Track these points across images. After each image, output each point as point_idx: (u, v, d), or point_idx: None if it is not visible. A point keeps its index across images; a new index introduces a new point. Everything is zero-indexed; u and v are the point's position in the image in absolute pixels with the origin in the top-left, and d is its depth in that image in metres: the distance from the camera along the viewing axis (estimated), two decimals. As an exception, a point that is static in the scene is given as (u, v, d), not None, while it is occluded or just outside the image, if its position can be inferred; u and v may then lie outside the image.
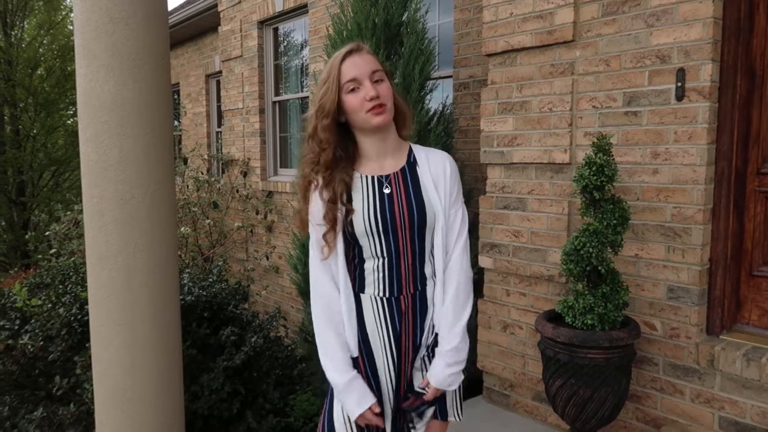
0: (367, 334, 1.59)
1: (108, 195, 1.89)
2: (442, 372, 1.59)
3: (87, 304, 2.63)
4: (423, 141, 3.59)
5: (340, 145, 1.59)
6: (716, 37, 2.45)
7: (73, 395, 2.39)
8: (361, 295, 1.60)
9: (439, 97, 4.46)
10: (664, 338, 2.64)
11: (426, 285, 1.61)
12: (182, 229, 5.54)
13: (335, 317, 1.58)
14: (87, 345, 2.37)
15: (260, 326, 2.86)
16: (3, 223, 10.23)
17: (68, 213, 6.98)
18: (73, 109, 10.78)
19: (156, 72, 2.03)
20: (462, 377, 1.64)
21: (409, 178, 1.60)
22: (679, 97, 2.54)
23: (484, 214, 3.36)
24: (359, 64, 1.53)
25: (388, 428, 1.63)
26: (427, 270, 1.61)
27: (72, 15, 9.64)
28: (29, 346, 2.41)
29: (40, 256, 6.23)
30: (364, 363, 1.60)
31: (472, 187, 4.04)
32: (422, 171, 1.62)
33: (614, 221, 2.44)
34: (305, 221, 1.61)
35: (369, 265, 1.59)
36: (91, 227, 1.94)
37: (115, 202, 1.89)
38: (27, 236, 8.89)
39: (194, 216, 6.25)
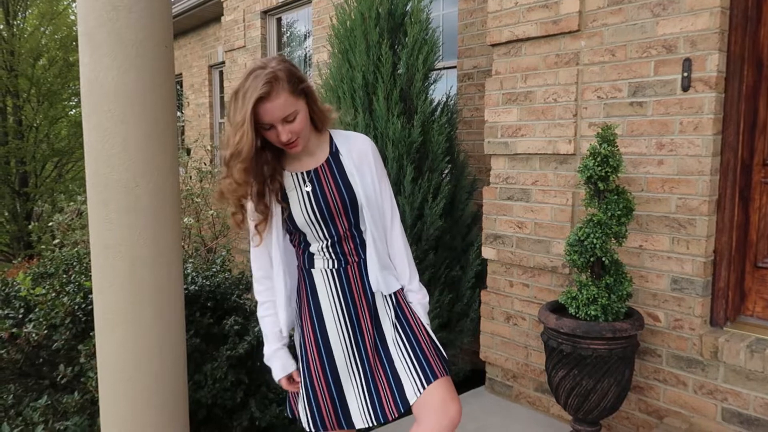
0: (319, 305, 1.75)
1: (112, 183, 1.89)
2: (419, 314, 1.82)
3: (91, 293, 2.64)
4: (426, 132, 3.58)
5: (268, 149, 1.66)
6: (723, 27, 2.43)
7: (77, 384, 2.40)
8: (312, 270, 1.76)
9: (443, 88, 4.44)
10: (668, 329, 2.64)
11: (366, 250, 1.76)
12: (185, 219, 5.54)
13: (268, 301, 1.78)
14: (91, 334, 2.38)
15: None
16: (6, 214, 10.24)
17: (71, 204, 6.98)
18: (76, 99, 10.76)
19: (159, 60, 2.02)
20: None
21: (335, 168, 1.74)
22: (685, 87, 2.52)
23: (487, 205, 3.35)
24: (269, 111, 1.55)
25: (351, 394, 1.74)
26: (366, 237, 1.77)
27: (74, 5, 9.60)
28: (33, 335, 2.41)
29: (43, 247, 6.24)
30: (314, 331, 1.74)
31: (475, 179, 4.03)
32: (345, 159, 1.75)
33: (618, 212, 2.43)
34: (239, 222, 1.71)
35: (314, 247, 1.75)
36: (95, 216, 1.93)
37: (119, 190, 1.88)
38: (30, 227, 8.90)
39: (197, 207, 6.24)
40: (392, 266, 1.83)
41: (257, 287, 1.81)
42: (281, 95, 1.56)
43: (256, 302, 1.87)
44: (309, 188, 1.71)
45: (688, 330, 2.57)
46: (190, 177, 6.74)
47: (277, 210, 1.71)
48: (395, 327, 1.78)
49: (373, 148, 1.80)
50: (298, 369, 1.79)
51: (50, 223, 7.14)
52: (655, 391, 2.71)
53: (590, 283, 2.53)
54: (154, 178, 1.92)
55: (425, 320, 1.83)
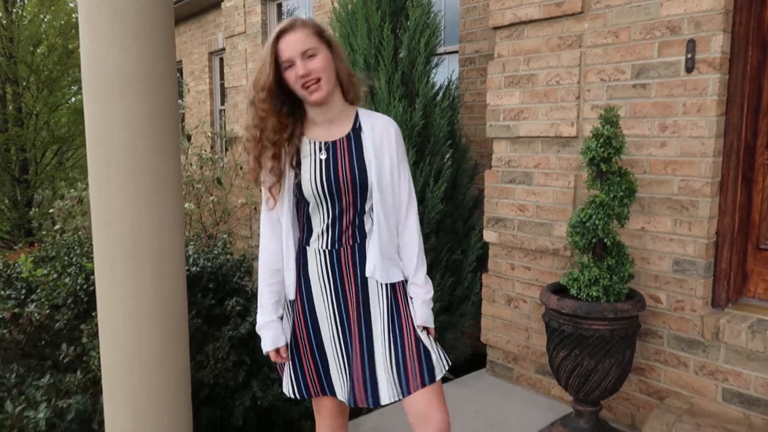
0: (309, 283, 1.75)
1: (113, 162, 1.89)
2: (419, 310, 1.77)
3: (93, 274, 2.64)
4: (428, 116, 3.57)
5: (290, 111, 1.71)
6: (728, 8, 2.42)
7: (79, 363, 2.41)
8: (307, 248, 1.76)
9: (445, 73, 4.42)
10: (669, 311, 2.64)
11: (366, 238, 1.75)
12: (186, 205, 5.54)
13: (271, 268, 1.76)
14: (93, 314, 2.38)
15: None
16: (6, 201, 10.24)
17: (72, 191, 6.98)
18: (76, 87, 10.72)
19: (160, 40, 2.01)
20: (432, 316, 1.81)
21: (353, 144, 1.72)
22: (689, 68, 2.51)
23: (489, 189, 3.35)
24: (290, 44, 1.62)
25: (339, 371, 1.76)
26: (367, 226, 1.75)
27: (73, -9, 9.54)
28: (35, 314, 2.42)
29: (44, 233, 6.24)
30: (303, 308, 1.76)
31: (477, 163, 4.02)
32: (366, 137, 1.73)
33: (621, 193, 2.43)
34: (255, 178, 1.75)
35: (315, 221, 1.74)
36: (96, 195, 1.93)
37: (121, 169, 1.88)
38: (31, 212, 8.90)
39: (198, 193, 6.24)
40: (397, 257, 1.78)
41: (264, 253, 1.79)
42: (302, 30, 1.63)
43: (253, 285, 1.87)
44: (324, 156, 1.69)
45: (689, 311, 2.57)
46: (191, 164, 6.73)
47: (290, 175, 1.71)
48: (385, 322, 1.74)
49: (397, 131, 1.77)
50: (287, 344, 1.79)
51: (51, 210, 7.14)
52: (655, 372, 2.72)
53: (592, 264, 2.53)
54: (155, 157, 1.92)
55: (424, 317, 1.77)
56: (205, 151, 6.89)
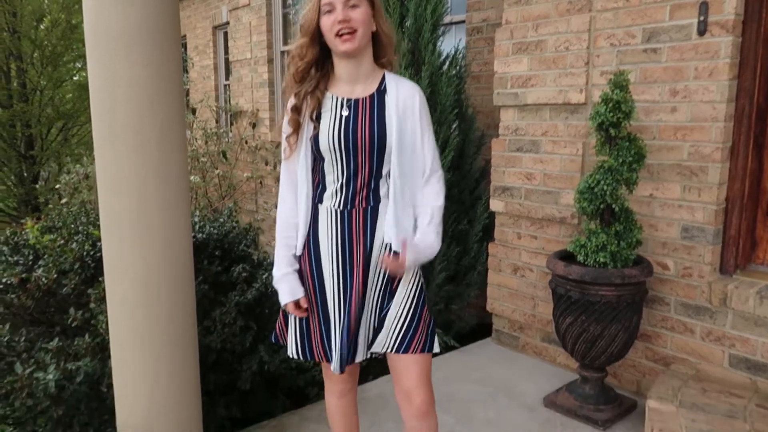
0: (318, 242, 1.74)
1: (118, 123, 1.87)
2: (412, 248, 1.67)
3: (99, 241, 2.64)
4: (435, 84, 3.53)
5: (319, 63, 1.71)
6: (742, -33, 2.36)
7: (87, 328, 2.42)
8: (319, 205, 1.74)
9: (452, 42, 4.36)
10: (677, 278, 2.63)
11: (379, 203, 1.72)
12: (192, 178, 5.54)
13: (286, 221, 1.78)
14: (100, 279, 2.38)
15: (271, 265, 2.87)
16: (13, 178, 10.27)
17: (78, 166, 6.99)
18: (80, 63, 10.68)
19: None
20: (417, 266, 1.73)
21: (376, 105, 1.69)
22: (701, 31, 2.46)
23: (496, 158, 3.32)
24: None
25: (336, 334, 1.74)
26: (382, 190, 1.72)
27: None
28: (43, 279, 2.42)
29: (50, 206, 6.26)
30: (311, 266, 1.76)
31: (484, 133, 3.98)
32: (390, 100, 1.70)
33: (630, 158, 2.40)
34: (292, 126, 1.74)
35: (329, 179, 1.72)
36: (102, 156, 1.92)
37: (126, 129, 1.86)
38: (37, 186, 8.93)
39: (203, 167, 6.23)
40: (411, 229, 1.73)
41: (281, 206, 1.79)
42: None
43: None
44: (346, 113, 1.68)
45: (697, 278, 2.56)
46: (196, 139, 6.71)
47: (308, 128, 1.70)
48: (387, 287, 1.74)
49: (421, 97, 1.73)
50: (306, 297, 1.77)
51: (57, 186, 7.15)
52: (662, 339, 2.72)
53: (599, 230, 2.52)
54: (160, 116, 1.90)
55: (408, 257, 1.65)
56: (210, 128, 6.87)
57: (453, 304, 3.72)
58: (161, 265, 2.00)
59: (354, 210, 1.71)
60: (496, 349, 3.45)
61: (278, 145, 6.13)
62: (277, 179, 6.33)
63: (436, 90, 3.53)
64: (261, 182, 6.59)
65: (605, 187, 2.42)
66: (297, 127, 1.71)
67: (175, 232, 2.02)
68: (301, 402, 3.00)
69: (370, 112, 1.68)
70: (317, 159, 1.74)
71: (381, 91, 1.71)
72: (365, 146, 1.67)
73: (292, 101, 1.72)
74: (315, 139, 1.70)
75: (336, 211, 1.72)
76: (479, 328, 3.89)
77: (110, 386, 2.28)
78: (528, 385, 2.98)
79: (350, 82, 1.71)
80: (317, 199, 1.75)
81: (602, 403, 2.64)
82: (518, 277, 3.31)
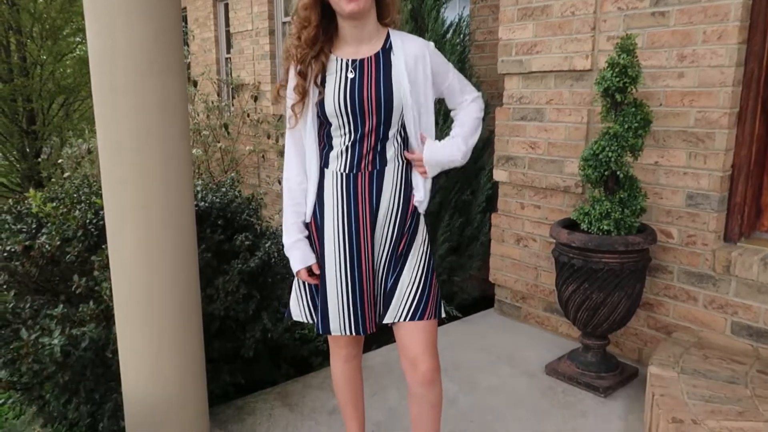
0: (323, 207, 1.73)
1: (118, 84, 1.84)
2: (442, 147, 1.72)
3: (102, 210, 2.64)
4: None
5: (323, 25, 1.67)
6: (754, -73, 2.30)
7: (91, 295, 2.43)
8: (326, 170, 1.73)
9: (456, 10, 4.30)
10: (681, 246, 2.62)
11: (386, 166, 1.70)
12: (194, 151, 5.52)
13: (293, 188, 1.77)
14: (103, 246, 2.39)
15: (274, 234, 2.87)
16: (15, 153, 10.25)
17: (80, 140, 6.97)
18: (80, 37, 10.56)
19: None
20: (436, 173, 1.75)
21: (381, 64, 1.66)
22: (711, -6, 2.41)
23: (500, 127, 3.29)
24: None
25: (336, 309, 1.73)
26: (389, 153, 1.70)
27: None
28: (46, 246, 2.42)
29: (53, 180, 6.26)
30: (317, 230, 1.76)
31: (488, 104, 3.94)
32: (396, 58, 1.66)
33: (635, 124, 2.37)
34: (281, 93, 1.75)
35: (336, 142, 1.70)
36: (102, 119, 1.90)
37: (126, 90, 1.84)
38: (39, 159, 8.92)
39: (205, 140, 6.20)
40: (417, 185, 1.76)
41: (287, 174, 1.78)
42: None
43: (281, 227, 1.85)
44: (352, 76, 1.65)
45: (701, 245, 2.55)
46: (198, 114, 6.67)
47: (313, 93, 1.68)
48: (394, 251, 1.73)
49: (431, 51, 1.70)
50: (318, 264, 1.77)
51: (60, 161, 7.14)
52: (664, 307, 2.72)
53: (603, 198, 2.50)
54: (161, 77, 1.87)
55: (429, 153, 1.70)
56: (212, 102, 6.82)
57: (455, 276, 3.73)
58: (163, 225, 1.99)
59: (360, 174, 1.69)
60: (498, 319, 3.47)
61: (280, 117, 6.09)
62: (280, 153, 6.30)
63: (440, 58, 3.48)
64: (263, 156, 6.56)
65: (610, 154, 2.40)
66: (303, 95, 1.67)
67: (177, 194, 2.00)
68: (305, 371, 3.02)
69: (376, 72, 1.65)
70: (323, 124, 1.72)
71: (386, 50, 1.68)
72: (372, 108, 1.64)
73: (295, 67, 1.69)
74: (321, 104, 1.67)
75: (341, 175, 1.70)
76: (481, 301, 3.90)
77: (115, 352, 2.30)
78: (530, 354, 2.99)
79: (355, 43, 1.68)
80: (323, 163, 1.74)
81: (604, 371, 2.65)
82: (521, 247, 3.31)
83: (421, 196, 1.75)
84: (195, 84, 6.58)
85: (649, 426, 2.16)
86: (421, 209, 1.78)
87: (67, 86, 10.13)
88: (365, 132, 1.67)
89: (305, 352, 3.37)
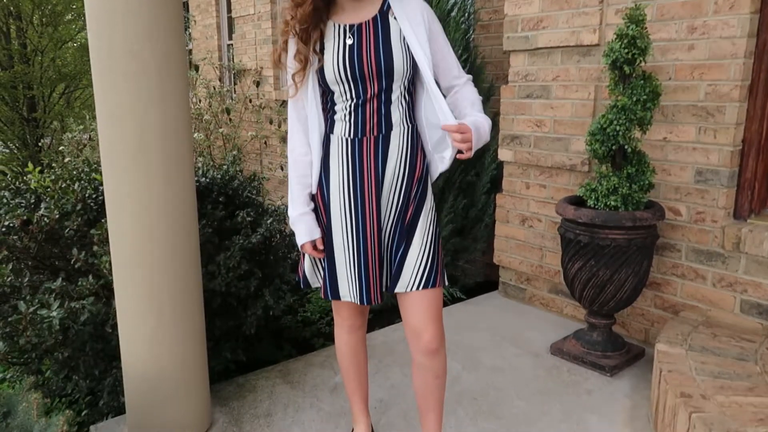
0: (329, 174, 1.72)
1: (117, 48, 1.80)
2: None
3: (101, 185, 2.60)
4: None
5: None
6: None
7: (91, 271, 2.40)
8: (331, 135, 1.71)
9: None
10: (689, 223, 2.57)
11: (392, 131, 1.67)
12: (195, 135, 5.47)
13: (298, 159, 1.75)
14: (103, 220, 2.35)
15: (276, 211, 2.83)
16: (17, 141, 10.21)
17: (81, 126, 6.93)
18: (81, 22, 10.49)
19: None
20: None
21: (380, 27, 1.64)
22: (722, -36, 2.35)
23: (505, 105, 3.25)
24: None
25: (345, 277, 1.72)
26: (394, 117, 1.67)
27: None
28: (45, 219, 2.39)
29: (54, 165, 6.23)
30: (323, 198, 1.74)
31: (492, 85, 3.89)
32: (394, 21, 1.64)
33: (644, 97, 2.33)
34: (281, 60, 1.73)
35: (339, 108, 1.69)
36: (101, 84, 1.86)
37: (125, 55, 1.79)
38: (40, 144, 8.89)
39: (207, 126, 6.15)
40: (426, 148, 1.74)
41: (291, 144, 1.76)
42: None
43: (283, 206, 1.81)
44: (350, 42, 1.62)
45: (710, 222, 2.51)
46: (199, 100, 6.61)
47: (313, 61, 1.65)
48: (400, 217, 1.70)
49: (428, 11, 1.67)
50: (322, 237, 1.76)
51: (61, 148, 7.10)
52: (672, 286, 2.67)
53: (611, 173, 2.46)
54: (160, 42, 1.83)
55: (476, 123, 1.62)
56: (214, 87, 6.77)
57: (460, 258, 3.69)
58: (164, 198, 1.96)
59: (365, 138, 1.67)
60: (502, 301, 3.43)
61: (283, 102, 6.02)
62: (282, 139, 6.26)
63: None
64: (266, 142, 6.51)
65: (618, 127, 2.35)
66: (305, 63, 1.65)
67: (177, 163, 1.96)
68: (307, 353, 2.99)
69: (375, 36, 1.62)
70: (326, 91, 1.69)
71: (384, 12, 1.65)
72: (372, 73, 1.62)
73: (294, 36, 1.66)
74: (321, 72, 1.66)
75: (347, 140, 1.68)
76: (485, 285, 3.86)
77: (115, 327, 2.27)
78: (534, 334, 2.96)
79: (351, 8, 1.66)
80: (329, 129, 1.72)
81: (610, 350, 2.61)
82: (526, 227, 3.27)
83: (446, 165, 1.72)
84: (196, 69, 6.53)
85: (656, 402, 2.12)
86: (434, 176, 1.76)
87: (67, 73, 10.08)
88: (368, 97, 1.65)
89: (307, 334, 3.34)
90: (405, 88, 1.67)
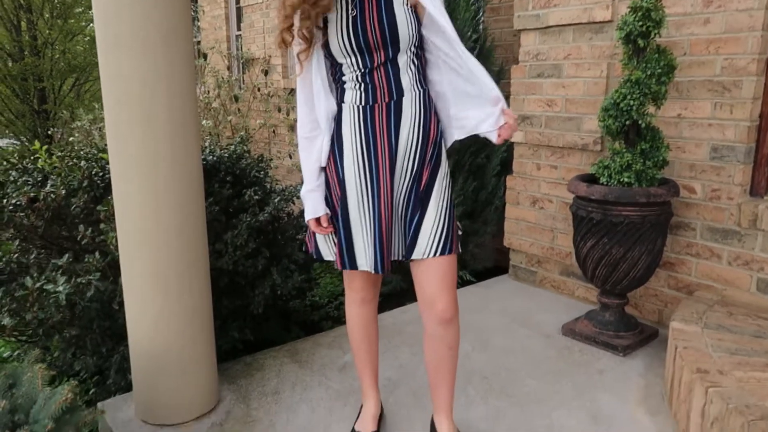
0: (342, 144, 1.70)
1: (124, 26, 1.78)
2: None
3: (108, 164, 2.59)
4: (453, 10, 3.38)
5: None
6: None
7: (97, 247, 2.38)
8: (342, 104, 1.70)
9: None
10: (704, 201, 2.52)
11: (403, 96, 1.66)
12: (203, 122, 5.46)
13: (308, 135, 1.74)
14: (109, 197, 2.34)
15: (284, 191, 2.80)
16: (28, 134, 10.26)
17: (90, 115, 6.94)
18: (90, 14, 10.53)
19: None
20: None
21: None
22: (740, -66, 2.29)
23: (515, 85, 3.20)
24: None
25: (367, 237, 1.69)
26: (404, 82, 1.65)
27: None
28: (51, 195, 2.38)
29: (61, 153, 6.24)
30: (337, 172, 1.72)
31: (502, 68, 3.84)
32: None
33: (659, 70, 2.28)
34: (284, 37, 1.67)
35: (348, 77, 1.68)
36: (106, 62, 1.84)
37: (132, 32, 1.77)
38: (50, 132, 8.93)
39: (215, 115, 6.14)
40: (437, 113, 1.72)
41: (300, 121, 1.75)
42: None
43: (292, 186, 1.79)
44: (354, 14, 1.60)
45: (726, 200, 2.45)
46: (208, 92, 6.60)
47: (318, 35, 1.64)
48: (415, 184, 1.68)
49: None
50: (327, 215, 1.76)
51: (71, 138, 7.12)
52: (686, 266, 2.62)
53: (624, 150, 2.41)
54: (165, 21, 1.81)
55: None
56: (222, 77, 6.75)
57: (469, 242, 3.65)
58: (170, 174, 1.94)
59: (377, 105, 1.65)
60: (513, 284, 3.39)
61: (291, 91, 5.98)
62: (290, 127, 6.23)
63: (454, 17, 3.38)
64: (274, 131, 6.49)
65: (632, 102, 2.30)
66: (310, 40, 1.63)
67: (184, 139, 1.94)
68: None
69: (377, 4, 1.60)
70: (333, 63, 1.68)
71: None
72: (378, 42, 1.60)
73: (297, 11, 1.62)
74: (326, 46, 1.65)
75: (358, 108, 1.67)
76: (495, 270, 3.82)
77: (121, 305, 2.25)
78: (546, 316, 2.92)
79: None
80: (339, 98, 1.71)
81: (623, 330, 2.57)
82: (537, 209, 3.22)
83: (464, 135, 1.73)
84: (205, 57, 6.52)
85: (671, 379, 2.08)
86: (448, 144, 1.76)
87: (78, 65, 10.12)
88: (375, 65, 1.64)
89: (316, 317, 3.33)
90: (413, 53, 1.65)
